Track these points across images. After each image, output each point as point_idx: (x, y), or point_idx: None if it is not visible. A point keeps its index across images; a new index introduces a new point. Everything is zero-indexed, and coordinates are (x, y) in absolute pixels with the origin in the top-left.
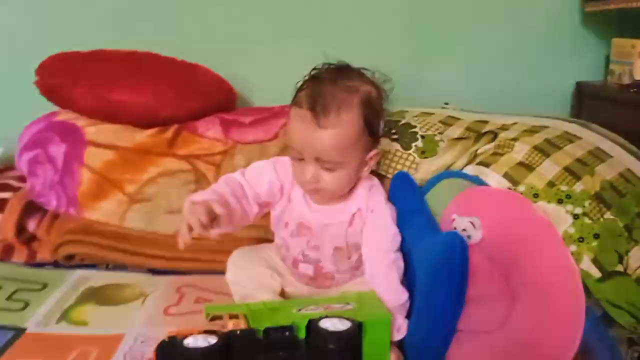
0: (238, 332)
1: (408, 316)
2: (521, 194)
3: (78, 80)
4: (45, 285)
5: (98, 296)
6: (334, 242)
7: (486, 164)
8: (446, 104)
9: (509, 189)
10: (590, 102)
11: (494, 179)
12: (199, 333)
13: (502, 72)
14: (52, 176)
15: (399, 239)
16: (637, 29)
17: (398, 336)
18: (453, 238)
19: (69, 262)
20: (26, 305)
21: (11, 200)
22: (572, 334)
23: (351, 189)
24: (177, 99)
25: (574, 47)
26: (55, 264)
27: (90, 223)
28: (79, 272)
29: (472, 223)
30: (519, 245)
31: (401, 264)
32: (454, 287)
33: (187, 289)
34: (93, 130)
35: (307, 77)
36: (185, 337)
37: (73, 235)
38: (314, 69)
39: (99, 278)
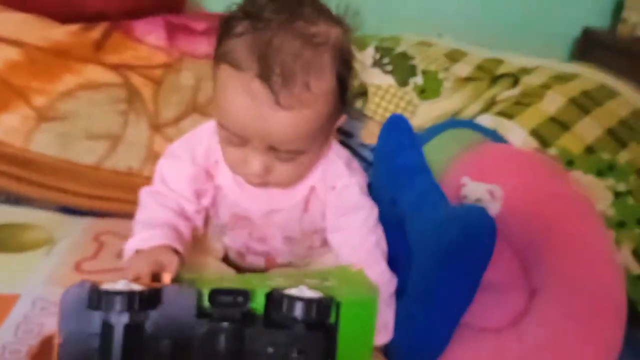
0: (177, 287)
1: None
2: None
3: None
4: None
5: None
6: (284, 231)
7: (509, 115)
8: (439, 35)
9: (537, 150)
10: (599, 52)
11: (518, 135)
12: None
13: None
14: None
15: (376, 211)
16: None
17: (385, 336)
18: (480, 217)
19: None
20: None
21: None
22: (608, 352)
23: None
24: None
25: None
26: None
27: None
28: None
29: (490, 192)
30: (548, 227)
31: (384, 243)
32: (473, 278)
33: (108, 237)
34: None
35: (238, 11)
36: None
37: None
38: None
39: None
